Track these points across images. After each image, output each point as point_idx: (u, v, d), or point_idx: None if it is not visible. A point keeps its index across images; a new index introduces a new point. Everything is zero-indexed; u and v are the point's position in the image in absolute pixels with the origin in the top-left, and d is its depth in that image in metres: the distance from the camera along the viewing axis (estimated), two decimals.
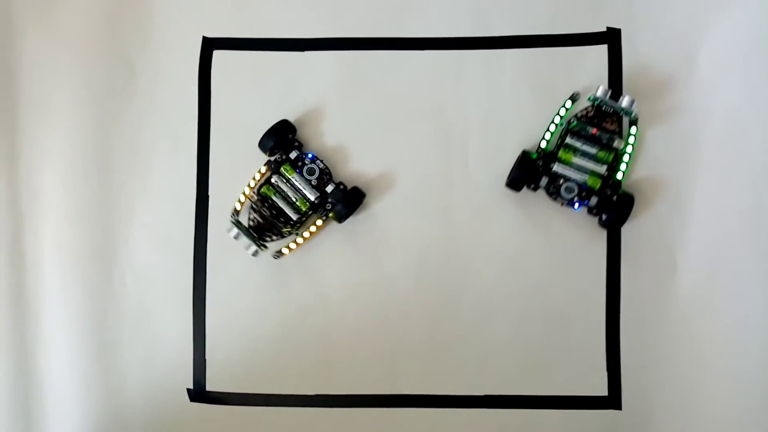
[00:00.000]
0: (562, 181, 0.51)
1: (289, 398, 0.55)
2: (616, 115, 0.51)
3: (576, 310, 0.53)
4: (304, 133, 0.55)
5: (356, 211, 0.54)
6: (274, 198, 0.52)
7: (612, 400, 0.53)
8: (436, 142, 0.54)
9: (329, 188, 0.52)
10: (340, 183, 0.53)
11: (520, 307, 0.53)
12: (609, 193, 0.51)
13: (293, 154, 0.53)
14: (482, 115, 0.54)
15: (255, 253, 0.52)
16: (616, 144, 0.50)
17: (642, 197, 0.52)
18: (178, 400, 0.55)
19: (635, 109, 0.50)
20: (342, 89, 0.55)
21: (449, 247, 0.54)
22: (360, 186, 0.53)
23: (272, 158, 0.53)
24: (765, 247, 0.51)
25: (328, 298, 0.55)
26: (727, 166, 0.52)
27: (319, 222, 0.53)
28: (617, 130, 0.51)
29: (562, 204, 0.51)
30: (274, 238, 0.53)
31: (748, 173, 0.52)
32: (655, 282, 0.52)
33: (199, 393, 0.55)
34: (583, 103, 0.52)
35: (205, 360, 0.55)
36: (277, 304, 0.55)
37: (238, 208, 0.53)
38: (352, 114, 0.54)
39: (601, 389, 0.53)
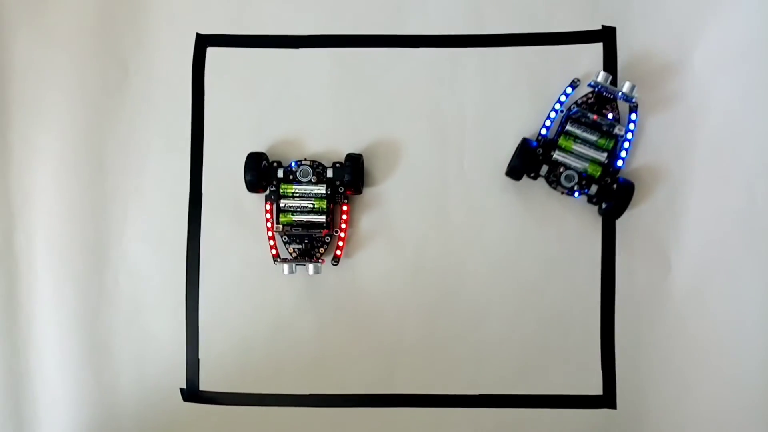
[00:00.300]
0: (562, 169, 0.50)
1: (284, 398, 0.55)
2: (616, 102, 0.51)
3: (571, 310, 0.53)
4: (298, 131, 0.54)
5: (351, 210, 0.54)
6: (295, 219, 0.52)
7: (607, 399, 0.53)
8: (431, 140, 0.54)
9: (329, 173, 0.52)
10: (334, 162, 0.53)
11: (516, 306, 0.53)
12: (609, 181, 0.51)
13: (280, 173, 0.53)
14: (478, 113, 0.54)
15: (318, 270, 0.52)
16: (617, 130, 0.50)
17: (637, 195, 0.52)
18: (172, 399, 0.55)
19: (636, 95, 0.50)
20: (337, 87, 0.54)
21: (444, 246, 0.54)
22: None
23: (267, 192, 0.53)
24: (759, 245, 0.52)
25: (322, 297, 0.54)
26: (723, 164, 0.52)
27: (345, 207, 0.53)
28: (617, 116, 0.51)
29: (562, 192, 0.51)
30: (322, 249, 0.53)
31: (743, 171, 0.52)
32: (649, 281, 0.53)
33: (192, 393, 0.55)
34: (584, 90, 0.51)
35: (198, 359, 0.55)
36: (271, 303, 0.55)
37: (274, 252, 0.53)
38: (347, 112, 0.54)
39: (596, 388, 0.53)
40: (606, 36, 0.53)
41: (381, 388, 0.54)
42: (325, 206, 0.52)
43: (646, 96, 0.52)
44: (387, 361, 0.54)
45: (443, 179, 0.54)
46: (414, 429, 0.54)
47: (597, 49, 0.53)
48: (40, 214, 0.55)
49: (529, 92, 0.53)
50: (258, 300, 0.55)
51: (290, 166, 0.53)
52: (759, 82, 0.52)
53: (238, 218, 0.55)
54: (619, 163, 0.51)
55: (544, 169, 0.51)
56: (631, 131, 0.51)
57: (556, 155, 0.50)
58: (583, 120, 0.50)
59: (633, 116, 0.51)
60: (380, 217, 0.54)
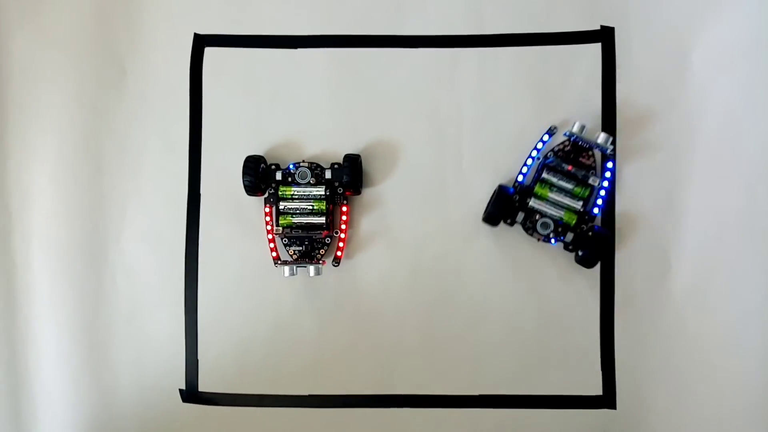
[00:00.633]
0: (538, 216, 0.51)
1: (283, 399, 0.55)
2: (593, 150, 0.51)
3: (571, 310, 0.53)
4: (296, 133, 0.54)
5: (350, 211, 0.54)
6: (295, 221, 0.52)
7: (607, 399, 0.53)
8: (430, 140, 0.54)
9: (328, 174, 0.52)
10: (333, 163, 0.53)
11: (515, 306, 0.53)
12: (585, 228, 0.51)
13: (278, 176, 0.52)
14: (477, 113, 0.54)
15: (319, 272, 0.52)
16: (591, 181, 0.51)
17: (636, 196, 0.52)
18: (171, 400, 0.55)
19: (610, 146, 0.50)
20: (335, 87, 0.54)
21: (443, 246, 0.54)
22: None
23: (266, 195, 0.53)
24: (759, 245, 0.52)
25: (321, 298, 0.54)
26: (722, 164, 0.52)
27: (345, 208, 0.53)
28: (593, 165, 0.51)
29: (539, 239, 0.51)
30: (322, 251, 0.53)
31: (742, 172, 0.52)
32: (649, 281, 0.53)
33: (191, 394, 0.55)
34: (567, 129, 0.51)
35: (197, 360, 0.55)
36: (270, 304, 0.54)
37: (275, 255, 0.53)
38: (345, 112, 0.54)
39: (596, 389, 0.53)
40: (605, 36, 0.53)
41: (380, 388, 0.54)
42: (324, 207, 0.52)
43: (644, 97, 0.52)
44: (386, 362, 0.54)
45: (442, 179, 0.54)
46: (413, 430, 0.54)
47: (596, 49, 0.53)
48: (38, 215, 0.55)
49: (528, 92, 0.53)
50: (257, 300, 0.55)
51: (288, 168, 0.53)
52: (758, 81, 0.52)
53: (237, 218, 0.55)
54: (595, 210, 0.51)
55: (521, 216, 0.51)
56: (608, 179, 0.51)
57: (533, 203, 0.51)
58: (559, 169, 0.51)
59: (609, 165, 0.51)
60: (380, 217, 0.54)
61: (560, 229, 0.51)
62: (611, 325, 0.53)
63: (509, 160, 0.53)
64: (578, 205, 0.51)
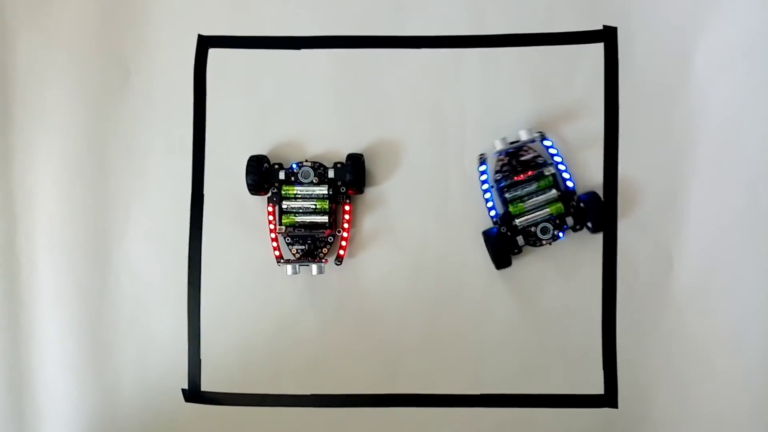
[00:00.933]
0: (533, 228, 0.51)
1: (285, 398, 0.55)
2: (527, 146, 0.52)
3: (572, 309, 0.53)
4: (299, 133, 0.54)
5: (353, 210, 0.54)
6: (298, 220, 0.53)
7: (608, 398, 0.53)
8: (432, 140, 0.54)
9: (331, 174, 0.53)
10: (335, 162, 0.53)
11: (517, 305, 0.53)
12: (574, 204, 0.51)
13: (281, 175, 0.53)
14: (479, 113, 0.54)
15: (322, 270, 0.52)
16: (546, 171, 0.51)
17: (638, 195, 0.52)
18: (173, 400, 0.55)
19: (536, 133, 0.51)
20: (338, 88, 0.55)
21: (445, 245, 0.54)
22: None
23: (269, 194, 0.53)
24: (761, 245, 0.52)
25: (323, 298, 0.54)
26: (723, 164, 0.52)
27: (347, 207, 0.53)
28: (536, 154, 0.52)
29: (550, 243, 0.52)
30: (325, 250, 0.53)
31: (744, 171, 0.52)
32: (651, 280, 0.53)
33: (194, 393, 0.55)
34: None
35: (200, 360, 0.55)
36: (272, 304, 0.55)
37: (278, 254, 0.53)
38: (348, 112, 0.54)
39: (598, 388, 0.53)
40: (607, 36, 0.53)
41: (383, 388, 0.54)
42: (327, 207, 0.53)
43: (647, 97, 0.53)
44: (388, 361, 0.54)
45: (445, 179, 0.54)
46: (416, 429, 0.54)
47: (598, 49, 0.53)
48: (42, 215, 0.55)
49: (531, 92, 0.53)
50: (259, 300, 0.55)
51: (291, 167, 0.53)
52: (760, 80, 0.52)
53: (240, 219, 0.55)
54: (569, 185, 0.51)
55: (521, 239, 0.51)
56: (556, 156, 0.52)
57: (518, 222, 0.51)
58: (514, 182, 0.51)
59: (547, 143, 0.51)
60: (382, 216, 0.54)
61: (557, 221, 0.51)
62: (613, 324, 0.53)
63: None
64: (553, 193, 0.51)
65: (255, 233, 0.54)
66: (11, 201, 0.56)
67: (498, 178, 0.52)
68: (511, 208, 0.52)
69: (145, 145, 0.55)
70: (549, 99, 0.53)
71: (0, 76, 0.56)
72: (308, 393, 0.54)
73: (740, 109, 0.52)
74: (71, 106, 0.55)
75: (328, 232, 0.53)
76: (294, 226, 0.53)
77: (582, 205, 0.51)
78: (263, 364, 0.55)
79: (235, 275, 0.55)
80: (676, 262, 0.52)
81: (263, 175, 0.52)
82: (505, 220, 0.52)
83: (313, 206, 0.53)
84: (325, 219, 0.52)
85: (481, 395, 0.54)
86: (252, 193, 0.53)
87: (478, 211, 0.53)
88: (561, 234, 0.51)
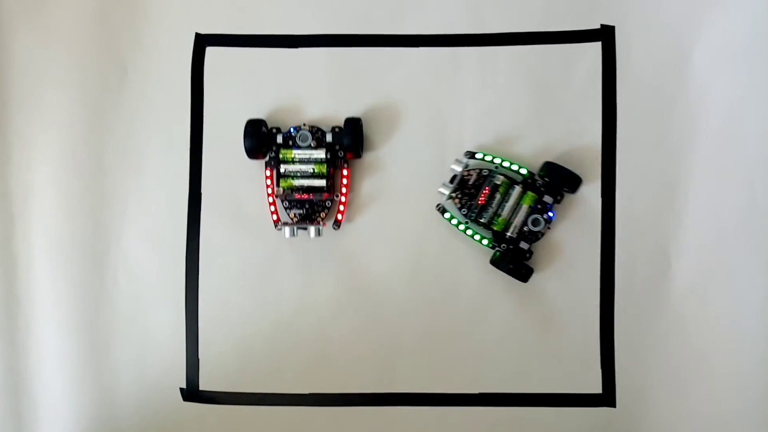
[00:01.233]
0: (525, 228, 0.52)
1: (284, 397, 0.55)
2: (465, 167, 0.52)
3: (570, 308, 0.53)
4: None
5: (352, 210, 0.54)
6: (296, 183, 0.53)
7: (606, 397, 0.53)
8: (430, 139, 0.54)
9: (329, 138, 0.53)
10: (333, 126, 0.53)
11: (515, 304, 0.53)
12: (542, 181, 0.52)
13: (279, 139, 0.53)
14: (477, 112, 0.54)
15: (320, 233, 0.53)
16: (497, 180, 0.52)
17: (636, 195, 0.52)
18: (171, 399, 0.55)
19: (464, 158, 0.52)
20: (335, 86, 0.54)
21: (443, 244, 0.54)
22: (355, 184, 0.54)
23: (266, 158, 0.53)
24: (759, 244, 0.52)
25: (322, 296, 0.54)
26: (722, 163, 0.52)
27: (345, 171, 0.53)
28: (480, 170, 0.52)
29: (545, 232, 0.52)
30: (323, 214, 0.53)
31: (742, 170, 0.52)
32: (649, 279, 0.53)
33: (192, 392, 0.55)
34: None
35: (198, 359, 0.55)
36: (271, 302, 0.55)
37: (275, 218, 0.53)
38: (346, 111, 0.54)
39: (596, 387, 0.53)
40: (605, 35, 0.53)
41: (381, 387, 0.54)
42: (325, 170, 0.52)
43: (645, 96, 0.53)
44: (387, 360, 0.54)
45: (442, 178, 0.53)
46: (414, 428, 0.54)
47: (596, 48, 0.53)
48: (40, 214, 0.55)
49: (529, 91, 0.53)
50: (257, 299, 0.55)
51: (289, 131, 0.53)
52: (759, 79, 0.52)
53: (238, 217, 0.55)
54: (524, 172, 0.52)
55: (524, 244, 0.52)
56: (487, 155, 0.52)
57: (509, 234, 0.52)
58: (479, 208, 0.52)
59: (478, 156, 0.52)
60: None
61: (539, 207, 0.52)
62: (611, 323, 0.53)
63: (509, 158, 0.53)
64: (517, 189, 0.52)
65: (253, 232, 0.54)
66: (8, 200, 0.56)
67: (465, 213, 0.52)
68: (495, 228, 0.52)
69: (142, 144, 0.55)
70: (546, 98, 0.53)
71: None
72: (307, 392, 0.54)
73: (738, 108, 0.52)
74: (68, 104, 0.55)
75: (326, 195, 0.53)
76: (292, 190, 0.53)
77: (547, 179, 0.51)
78: (262, 363, 0.55)
79: (233, 274, 0.55)
80: (674, 261, 0.52)
81: (261, 139, 0.52)
82: (498, 240, 0.52)
83: (311, 170, 0.53)
84: (322, 183, 0.52)
85: (480, 394, 0.54)
86: (250, 157, 0.53)
87: None
88: (551, 214, 0.52)
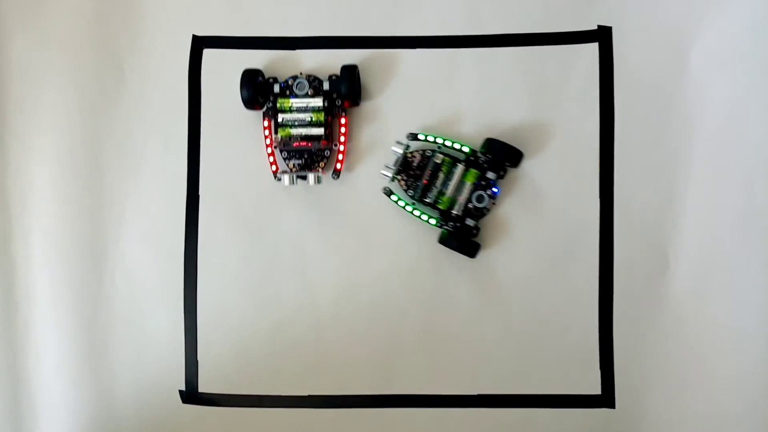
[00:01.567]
0: (470, 205, 0.52)
1: (283, 399, 0.55)
2: (405, 150, 0.52)
3: (569, 309, 0.53)
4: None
5: (350, 211, 0.54)
6: (294, 132, 0.53)
7: (605, 398, 0.53)
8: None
9: (326, 86, 0.53)
10: (330, 75, 0.53)
11: (514, 305, 0.53)
12: (483, 158, 0.52)
13: (276, 89, 0.53)
14: (475, 113, 0.53)
15: (319, 180, 0.52)
16: (437, 159, 0.52)
17: (634, 195, 0.52)
18: (170, 401, 0.55)
19: (404, 141, 0.52)
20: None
21: (441, 246, 0.53)
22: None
23: (264, 109, 0.53)
24: (758, 243, 0.52)
25: (320, 298, 0.54)
26: (720, 163, 0.52)
27: (343, 120, 0.53)
28: (423, 151, 0.52)
29: (491, 207, 0.52)
30: (322, 164, 0.53)
31: (740, 171, 0.52)
32: (647, 280, 0.53)
33: (191, 394, 0.55)
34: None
35: (197, 361, 0.55)
36: (269, 304, 0.55)
37: (274, 169, 0.53)
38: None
39: (595, 388, 0.53)
40: (602, 36, 0.53)
41: (380, 388, 0.54)
42: (322, 119, 0.52)
43: (642, 96, 0.52)
44: (385, 362, 0.54)
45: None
46: (413, 429, 0.54)
47: (593, 48, 0.53)
48: (38, 216, 0.55)
49: (526, 92, 0.53)
50: (256, 301, 0.55)
51: (286, 80, 0.53)
52: (757, 80, 0.52)
53: (236, 219, 0.55)
54: (466, 150, 0.52)
55: (470, 221, 0.52)
56: (430, 137, 0.52)
57: (455, 211, 0.52)
58: (423, 189, 0.52)
59: (420, 137, 0.52)
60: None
61: (483, 183, 0.52)
62: (610, 324, 0.53)
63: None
64: (460, 167, 0.52)
65: (252, 233, 0.55)
66: (6, 202, 0.56)
67: (411, 194, 0.52)
68: (440, 206, 0.52)
69: (140, 146, 0.55)
70: (544, 99, 0.53)
71: None
72: (305, 394, 0.54)
73: (736, 109, 0.52)
74: (66, 106, 0.55)
75: (324, 143, 0.52)
76: (290, 139, 0.53)
77: (489, 156, 0.52)
78: (261, 365, 0.55)
79: (232, 276, 0.55)
80: (672, 262, 0.52)
81: (258, 89, 0.52)
82: (445, 218, 0.52)
83: (309, 119, 0.53)
84: (320, 131, 0.52)
85: (479, 395, 0.54)
86: (247, 107, 0.53)
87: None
88: (495, 190, 0.52)
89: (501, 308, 0.53)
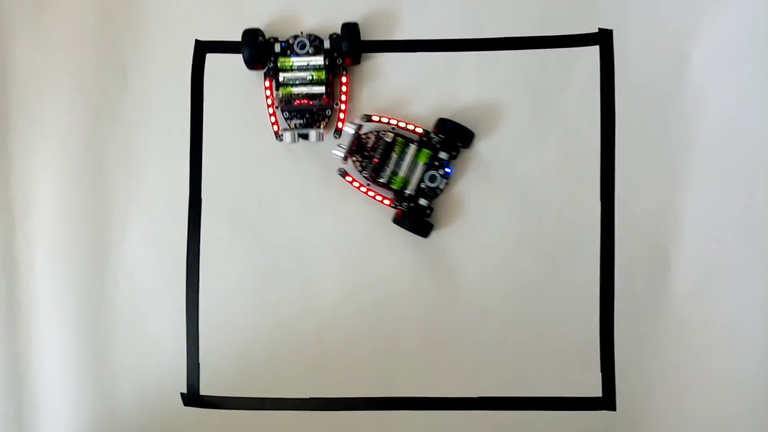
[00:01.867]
0: (423, 185, 0.52)
1: (284, 402, 0.55)
2: (357, 132, 0.52)
3: (570, 311, 0.53)
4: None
5: (348, 211, 0.54)
6: (295, 91, 0.53)
7: (606, 401, 0.53)
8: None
9: (327, 44, 0.53)
10: (331, 33, 0.53)
11: (514, 308, 0.53)
12: (435, 139, 0.52)
13: (277, 48, 0.53)
14: (476, 117, 0.53)
15: (320, 137, 0.52)
16: (387, 138, 0.52)
17: (635, 197, 0.52)
18: (172, 404, 0.55)
19: (357, 121, 0.52)
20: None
21: (441, 248, 0.54)
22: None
23: (265, 69, 0.53)
24: (758, 244, 0.52)
25: (321, 301, 0.54)
26: (720, 165, 0.52)
27: (344, 78, 0.53)
28: (378, 132, 0.52)
29: (446, 184, 0.52)
30: (324, 123, 0.53)
31: (741, 173, 0.52)
32: (648, 282, 0.53)
33: (193, 397, 0.55)
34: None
35: (198, 364, 0.55)
36: (271, 307, 0.55)
37: (276, 129, 0.53)
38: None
39: (596, 390, 0.53)
40: (602, 39, 0.53)
41: (381, 391, 0.54)
42: (324, 77, 0.52)
43: (643, 99, 0.53)
44: (386, 365, 0.54)
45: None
46: None
47: (594, 51, 0.53)
48: (41, 219, 0.55)
49: (527, 96, 0.53)
50: (258, 303, 0.55)
51: (287, 40, 0.53)
52: (757, 82, 0.52)
53: (238, 222, 0.55)
54: (420, 130, 0.52)
55: (423, 201, 0.52)
56: (385, 121, 0.52)
57: (408, 191, 0.52)
58: (375, 168, 0.52)
59: (375, 118, 0.52)
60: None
61: (436, 163, 0.52)
62: (611, 327, 0.53)
63: (509, 162, 0.53)
64: (412, 148, 0.52)
65: (254, 237, 0.55)
66: (9, 205, 0.56)
67: (365, 175, 0.52)
68: (394, 186, 0.52)
69: (143, 149, 0.55)
70: (545, 102, 0.53)
71: None
72: (307, 396, 0.55)
73: (737, 111, 0.52)
74: (69, 110, 0.55)
75: (325, 100, 0.52)
76: (291, 97, 0.53)
77: (442, 135, 0.52)
78: (262, 368, 0.55)
79: (234, 278, 0.55)
80: (673, 264, 0.52)
81: (259, 49, 0.52)
82: (398, 198, 0.53)
83: (310, 77, 0.53)
84: (321, 89, 0.52)
85: (479, 398, 0.54)
86: (249, 68, 0.53)
87: (472, 213, 0.54)
88: (448, 170, 0.52)
89: (501, 309, 0.53)
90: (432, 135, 0.53)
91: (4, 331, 0.56)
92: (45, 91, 0.55)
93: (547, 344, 0.53)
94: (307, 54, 0.53)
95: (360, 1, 0.54)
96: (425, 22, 0.54)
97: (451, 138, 0.52)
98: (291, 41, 0.53)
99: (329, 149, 0.52)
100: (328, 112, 0.53)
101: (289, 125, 0.53)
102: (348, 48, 0.52)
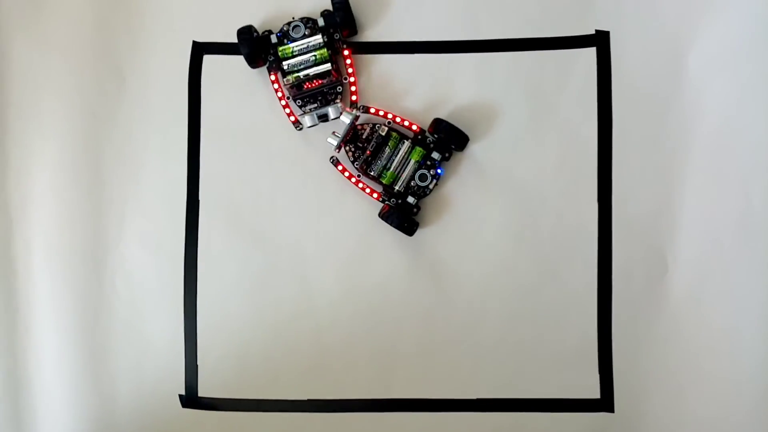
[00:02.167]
0: (413, 183, 0.52)
1: (282, 403, 0.55)
2: (352, 123, 0.52)
3: (568, 313, 0.53)
4: (293, 137, 0.55)
5: (346, 212, 0.54)
6: (302, 75, 0.53)
7: (604, 402, 0.53)
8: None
9: (320, 22, 0.53)
10: (322, 11, 0.53)
11: (512, 310, 0.53)
12: (430, 138, 0.52)
13: (273, 39, 0.53)
14: (473, 118, 0.54)
15: (338, 112, 0.53)
16: (382, 131, 0.52)
17: (633, 199, 0.52)
18: (170, 406, 0.55)
19: (359, 111, 0.52)
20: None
21: (440, 251, 0.54)
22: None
23: (267, 64, 0.53)
24: (755, 247, 0.52)
25: (319, 303, 0.54)
26: (718, 167, 0.52)
27: (347, 51, 0.53)
28: (373, 124, 0.52)
29: (436, 184, 0.52)
30: (338, 100, 0.53)
31: (738, 174, 0.52)
32: (646, 283, 0.53)
33: (191, 399, 0.55)
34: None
35: (196, 365, 0.55)
36: (269, 309, 0.55)
37: (293, 119, 0.53)
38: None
39: (594, 392, 0.53)
40: (600, 40, 0.53)
41: (379, 393, 0.54)
42: (326, 54, 0.53)
43: (640, 100, 0.53)
44: (384, 367, 0.54)
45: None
46: None
47: (591, 53, 0.53)
48: (38, 220, 0.55)
49: (524, 97, 0.53)
50: (256, 305, 0.55)
51: (281, 29, 0.53)
52: (754, 84, 0.52)
53: (235, 223, 0.55)
54: (416, 127, 0.52)
55: (412, 199, 0.52)
56: (382, 114, 0.52)
57: (397, 187, 0.52)
58: (367, 161, 0.52)
59: (372, 111, 0.52)
60: (375, 220, 0.54)
61: (428, 163, 0.52)
62: (609, 328, 0.53)
63: (506, 164, 0.53)
64: (407, 144, 0.52)
65: (251, 237, 0.55)
66: (7, 206, 0.56)
67: (357, 165, 0.53)
68: (383, 181, 0.52)
69: (140, 151, 0.56)
70: (542, 103, 0.53)
71: None
72: (305, 398, 0.55)
73: (734, 112, 0.52)
74: (66, 111, 0.55)
75: (335, 75, 0.53)
76: (299, 82, 0.53)
77: (436, 135, 0.52)
78: (260, 370, 0.55)
79: (232, 280, 0.55)
80: (671, 265, 0.52)
81: (256, 44, 0.53)
82: (387, 193, 0.53)
83: (313, 57, 0.53)
84: (327, 66, 0.53)
85: (478, 400, 0.54)
86: (250, 65, 0.53)
87: (471, 214, 0.54)
88: (439, 170, 0.52)
89: (499, 311, 0.53)
90: (427, 134, 0.53)
91: (1, 332, 0.56)
92: (42, 92, 0.55)
93: (545, 346, 0.53)
94: (304, 36, 0.53)
95: None
96: (423, 23, 0.54)
97: (445, 139, 0.52)
98: (285, 28, 0.53)
99: (327, 151, 0.52)
100: (339, 88, 0.53)
101: (304, 111, 0.53)
102: (343, 18, 0.52)
